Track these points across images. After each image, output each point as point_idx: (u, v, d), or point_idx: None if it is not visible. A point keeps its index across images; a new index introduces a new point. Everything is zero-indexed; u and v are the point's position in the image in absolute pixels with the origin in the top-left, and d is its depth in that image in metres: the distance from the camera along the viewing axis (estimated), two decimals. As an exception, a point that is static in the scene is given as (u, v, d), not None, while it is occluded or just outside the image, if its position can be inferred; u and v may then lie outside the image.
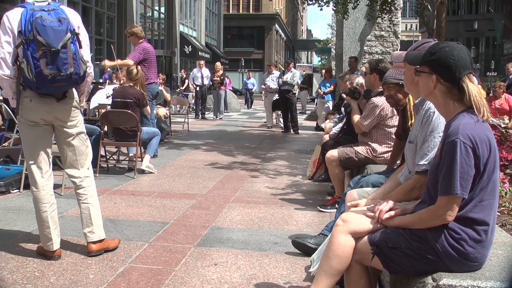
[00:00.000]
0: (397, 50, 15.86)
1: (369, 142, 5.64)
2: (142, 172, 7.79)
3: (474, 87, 2.48)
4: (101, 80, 13.67)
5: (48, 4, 3.90)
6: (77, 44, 3.93)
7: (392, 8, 14.38)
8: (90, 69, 4.12)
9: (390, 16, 15.03)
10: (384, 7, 14.05)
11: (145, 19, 28.42)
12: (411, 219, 2.59)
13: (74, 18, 4.01)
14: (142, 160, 7.89)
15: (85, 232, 4.21)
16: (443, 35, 12.65)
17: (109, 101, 8.59)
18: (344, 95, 6.42)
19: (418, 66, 2.65)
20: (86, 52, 4.06)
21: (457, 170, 2.36)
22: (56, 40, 3.75)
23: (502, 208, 4.08)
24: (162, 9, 32.19)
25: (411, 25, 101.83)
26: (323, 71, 18.15)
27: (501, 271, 2.48)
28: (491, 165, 2.44)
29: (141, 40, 9.23)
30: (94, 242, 4.20)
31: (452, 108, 2.53)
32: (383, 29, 16.24)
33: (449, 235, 2.45)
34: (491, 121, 3.56)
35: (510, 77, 13.35)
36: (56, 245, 4.09)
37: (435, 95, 2.57)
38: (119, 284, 3.68)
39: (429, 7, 13.72)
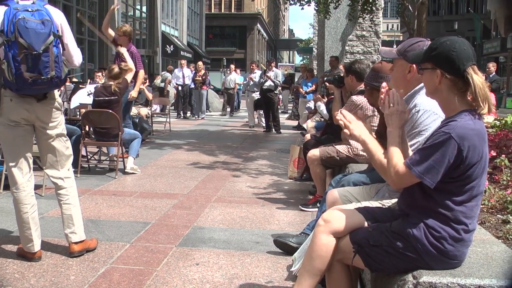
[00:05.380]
0: (378, 49, 15.93)
1: (350, 141, 5.67)
2: (124, 172, 7.76)
3: (479, 79, 2.45)
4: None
5: (33, 3, 3.84)
6: (60, 47, 3.89)
7: (373, 8, 14.43)
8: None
9: (371, 16, 15.09)
10: (365, 7, 14.10)
11: (126, 18, 28.24)
12: (374, 151, 2.65)
13: (59, 19, 3.98)
14: (123, 160, 7.85)
15: (67, 233, 4.18)
16: (424, 35, 12.73)
17: (91, 99, 8.52)
18: (327, 83, 6.42)
19: (421, 65, 2.63)
20: (75, 54, 4.05)
21: (433, 158, 2.39)
22: (38, 43, 3.71)
23: (481, 206, 4.12)
24: (144, 8, 32.01)
25: (392, 25, 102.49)
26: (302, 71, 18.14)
27: (480, 268, 2.51)
28: (479, 170, 2.45)
29: (130, 43, 9.14)
30: (76, 243, 4.17)
31: (455, 105, 2.50)
32: (365, 29, 16.29)
33: (430, 234, 2.48)
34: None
35: (491, 76, 13.51)
36: (36, 246, 4.06)
37: (440, 91, 2.54)
38: (100, 285, 3.66)
39: (410, 8, 13.82)
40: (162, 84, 20.37)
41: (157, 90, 20.17)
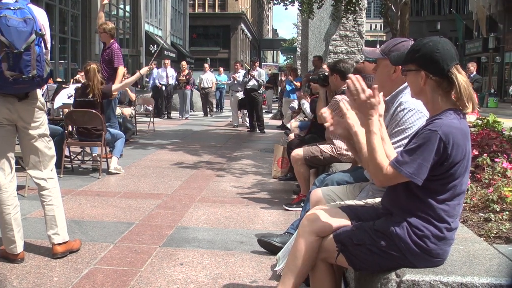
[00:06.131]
0: (361, 49, 16.02)
1: (334, 140, 5.69)
2: (108, 172, 7.72)
3: (463, 78, 2.48)
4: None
5: (16, 1, 3.81)
6: (43, 45, 3.86)
7: (357, 8, 14.52)
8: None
9: (354, 16, 15.19)
10: (348, 7, 14.19)
11: (110, 18, 28.06)
12: (363, 145, 2.59)
13: (42, 18, 3.94)
14: (107, 160, 7.82)
15: (50, 234, 4.14)
16: (407, 35, 12.82)
17: (71, 101, 8.47)
18: (312, 83, 6.44)
19: (404, 66, 2.64)
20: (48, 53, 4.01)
21: (421, 156, 2.39)
22: (19, 41, 3.68)
23: (464, 204, 4.15)
24: (127, 8, 31.86)
25: (376, 25, 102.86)
26: (283, 73, 18.06)
27: (462, 266, 2.54)
28: (462, 168, 2.47)
29: (112, 40, 9.05)
30: (59, 244, 4.14)
31: (439, 104, 2.52)
32: (348, 29, 16.38)
33: (413, 232, 2.49)
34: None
35: (472, 75, 13.62)
36: (19, 248, 4.02)
37: (425, 92, 2.55)
38: (84, 286, 3.64)
39: (393, 8, 13.91)
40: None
41: (151, 90, 20.07)
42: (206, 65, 21.97)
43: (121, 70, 8.81)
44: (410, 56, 2.58)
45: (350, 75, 2.69)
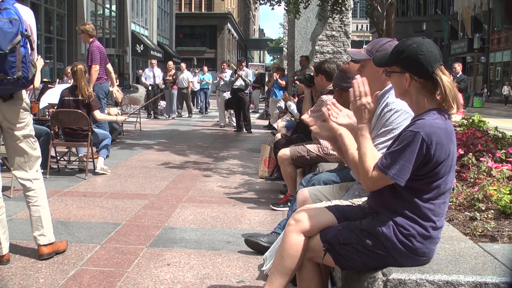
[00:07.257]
0: (346, 50, 16.07)
1: (320, 140, 5.70)
2: (94, 173, 7.68)
3: (447, 80, 2.49)
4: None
5: (2, 1, 3.77)
6: (28, 46, 3.83)
7: (343, 8, 14.57)
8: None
9: (341, 16, 15.24)
10: (335, 7, 14.24)
11: (96, 17, 27.96)
12: (349, 146, 2.66)
13: (28, 18, 3.91)
14: (93, 161, 7.78)
15: (35, 235, 4.11)
16: (393, 36, 12.89)
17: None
18: (297, 82, 6.45)
19: (388, 68, 2.65)
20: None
21: (403, 158, 2.40)
22: (4, 42, 3.64)
23: (449, 203, 4.18)
24: (114, 7, 31.71)
25: (362, 26, 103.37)
26: (273, 73, 18.04)
27: (448, 264, 2.56)
28: (446, 168, 2.48)
29: (92, 39, 9.08)
30: (45, 245, 4.11)
31: (425, 105, 2.52)
32: (334, 29, 16.41)
33: (399, 232, 2.51)
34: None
35: (458, 76, 13.72)
36: (5, 249, 3.99)
37: (409, 93, 2.56)
38: (70, 287, 3.62)
39: (379, 8, 13.97)
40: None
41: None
42: (183, 65, 21.56)
43: (94, 68, 8.85)
44: (394, 58, 2.58)
45: (357, 77, 2.70)
